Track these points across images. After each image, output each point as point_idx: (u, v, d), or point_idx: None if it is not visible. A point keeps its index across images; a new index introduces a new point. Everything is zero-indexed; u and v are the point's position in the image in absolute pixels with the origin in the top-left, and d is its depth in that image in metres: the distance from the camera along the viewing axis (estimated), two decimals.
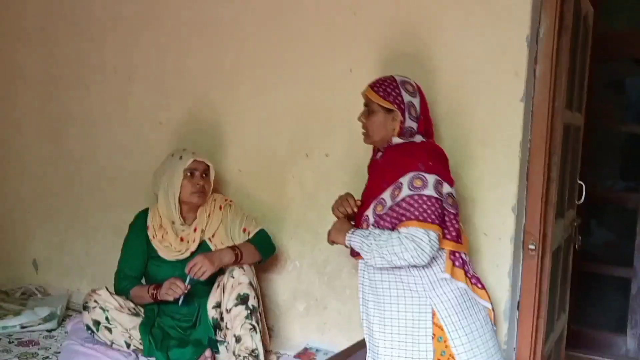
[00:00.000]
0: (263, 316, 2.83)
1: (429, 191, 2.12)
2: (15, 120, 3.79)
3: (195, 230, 2.88)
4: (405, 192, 2.14)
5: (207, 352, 2.76)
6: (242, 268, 2.76)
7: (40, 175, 3.75)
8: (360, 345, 2.40)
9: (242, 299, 2.72)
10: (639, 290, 4.31)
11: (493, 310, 2.30)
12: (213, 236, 2.89)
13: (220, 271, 2.78)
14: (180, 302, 2.74)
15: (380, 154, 2.36)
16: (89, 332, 2.84)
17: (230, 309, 2.72)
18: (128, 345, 2.81)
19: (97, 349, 2.79)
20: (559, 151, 2.57)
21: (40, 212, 3.76)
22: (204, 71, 3.15)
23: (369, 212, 2.26)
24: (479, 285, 2.29)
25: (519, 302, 2.58)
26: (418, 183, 2.13)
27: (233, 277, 2.74)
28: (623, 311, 4.46)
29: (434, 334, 2.16)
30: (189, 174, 2.84)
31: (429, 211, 2.11)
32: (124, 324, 2.82)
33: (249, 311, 2.70)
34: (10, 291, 3.57)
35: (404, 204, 2.14)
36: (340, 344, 2.70)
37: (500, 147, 2.47)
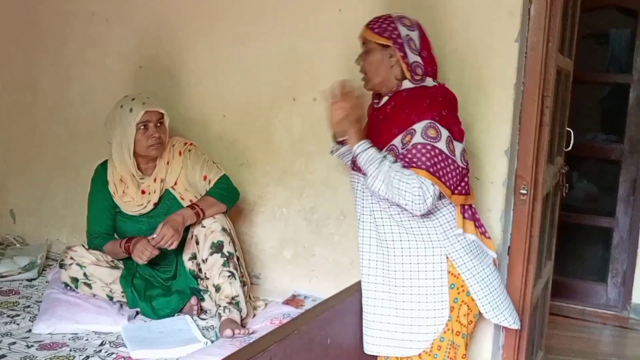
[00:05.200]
0: (242, 261, 2.77)
1: (442, 145, 2.05)
2: None
3: (155, 180, 2.78)
4: (417, 139, 2.05)
5: (193, 300, 2.73)
6: (213, 216, 2.70)
7: (15, 125, 3.64)
8: (352, 291, 2.37)
9: (217, 247, 2.65)
10: (620, 240, 4.36)
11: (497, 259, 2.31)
12: (175, 184, 2.79)
13: None
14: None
15: (385, 99, 2.24)
16: (68, 288, 2.76)
17: (206, 259, 2.66)
18: (111, 298, 2.74)
19: (80, 297, 2.72)
20: (552, 95, 2.52)
21: (17, 162, 3.67)
22: (183, 18, 3.07)
23: None
24: (487, 235, 2.28)
25: (509, 248, 2.57)
26: (432, 133, 2.05)
27: (204, 227, 2.68)
28: (604, 261, 4.53)
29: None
30: (142, 127, 2.69)
31: (438, 165, 2.04)
32: (103, 278, 2.74)
33: (225, 258, 2.64)
34: None
35: (414, 151, 2.05)
36: (329, 291, 2.65)
37: (494, 90, 2.43)
